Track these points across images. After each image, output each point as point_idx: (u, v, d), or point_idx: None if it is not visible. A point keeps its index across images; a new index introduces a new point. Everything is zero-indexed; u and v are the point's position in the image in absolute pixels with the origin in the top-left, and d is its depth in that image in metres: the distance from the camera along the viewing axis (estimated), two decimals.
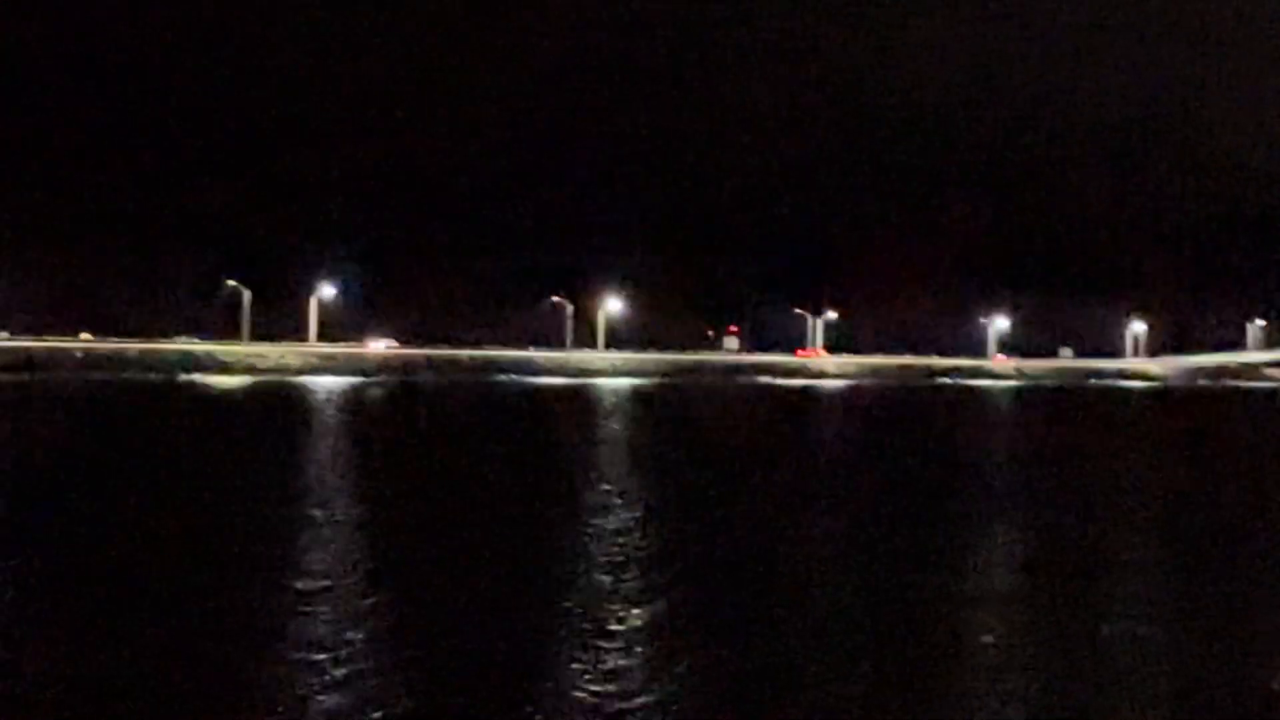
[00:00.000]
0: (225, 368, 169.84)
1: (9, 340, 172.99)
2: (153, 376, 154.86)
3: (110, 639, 25.14)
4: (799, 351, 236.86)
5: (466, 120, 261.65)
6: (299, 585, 30.25)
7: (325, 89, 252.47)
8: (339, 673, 23.01)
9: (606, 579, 31.92)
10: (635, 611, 28.45)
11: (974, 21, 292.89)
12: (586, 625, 26.88)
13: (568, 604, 28.89)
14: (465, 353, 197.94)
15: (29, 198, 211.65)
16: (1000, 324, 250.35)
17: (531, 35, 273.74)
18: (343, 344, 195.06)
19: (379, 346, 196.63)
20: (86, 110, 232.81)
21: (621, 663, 24.11)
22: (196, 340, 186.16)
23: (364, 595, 29.73)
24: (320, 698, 21.71)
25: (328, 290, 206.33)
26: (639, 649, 25.22)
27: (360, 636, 25.73)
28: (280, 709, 21.23)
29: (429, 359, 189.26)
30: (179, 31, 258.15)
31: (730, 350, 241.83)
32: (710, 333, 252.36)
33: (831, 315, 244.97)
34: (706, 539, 39.07)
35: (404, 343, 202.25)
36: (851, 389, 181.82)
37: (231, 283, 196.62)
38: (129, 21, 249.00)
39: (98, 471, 55.68)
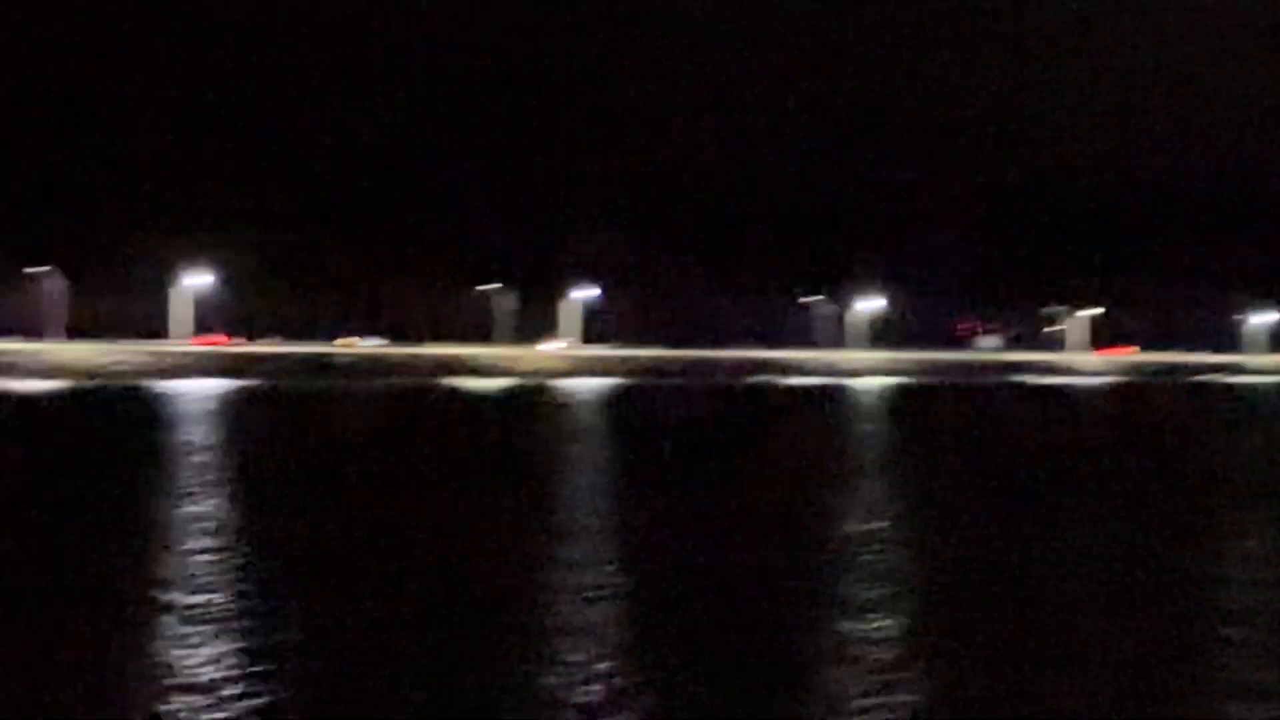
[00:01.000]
0: (485, 371, 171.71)
1: (270, 345, 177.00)
2: (412, 381, 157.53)
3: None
4: (1101, 349, 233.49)
5: (726, 124, 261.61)
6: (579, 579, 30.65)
7: (589, 90, 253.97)
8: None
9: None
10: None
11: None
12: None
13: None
14: (725, 353, 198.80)
15: (286, 203, 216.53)
16: (1265, 319, 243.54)
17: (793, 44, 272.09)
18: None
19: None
20: (356, 118, 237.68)
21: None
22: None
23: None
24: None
25: (588, 292, 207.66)
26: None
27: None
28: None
29: (690, 361, 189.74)
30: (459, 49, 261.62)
31: (989, 348, 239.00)
32: (968, 329, 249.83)
33: (1095, 310, 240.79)
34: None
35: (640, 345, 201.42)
36: (1131, 388, 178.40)
37: (491, 285, 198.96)
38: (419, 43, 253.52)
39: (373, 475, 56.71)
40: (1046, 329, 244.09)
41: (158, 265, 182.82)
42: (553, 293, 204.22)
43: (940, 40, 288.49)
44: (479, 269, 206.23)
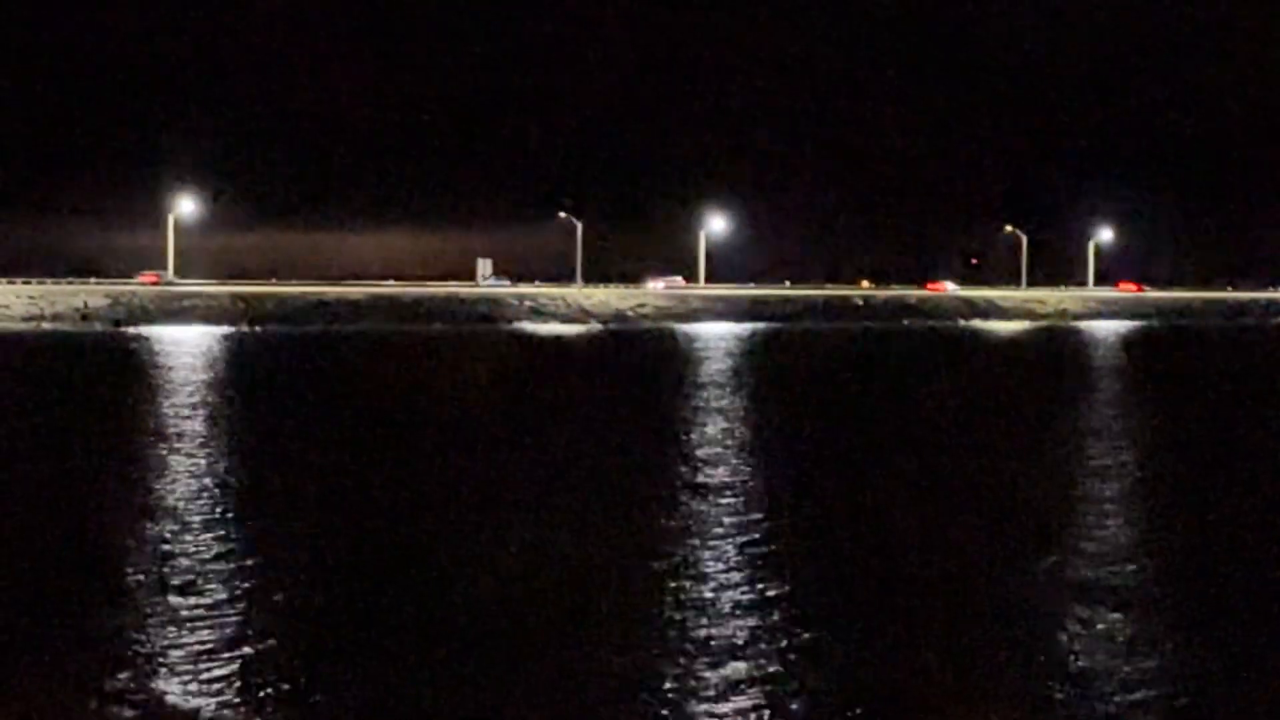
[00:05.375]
0: (1005, 313, 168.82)
1: (789, 289, 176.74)
2: (933, 324, 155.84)
3: None
4: None
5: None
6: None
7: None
8: None
9: None
10: None
11: None
12: None
13: None
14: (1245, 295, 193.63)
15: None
16: None
17: None
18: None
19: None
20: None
21: None
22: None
23: None
24: None
25: (1105, 233, 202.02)
26: None
27: None
28: None
29: (1207, 302, 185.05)
30: None
31: None
32: None
33: None
34: None
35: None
36: None
37: (1008, 228, 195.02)
38: None
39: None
40: None
41: (673, 206, 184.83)
42: (1065, 235, 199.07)
43: None
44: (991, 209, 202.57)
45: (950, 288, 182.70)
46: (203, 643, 21.48)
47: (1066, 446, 47.44)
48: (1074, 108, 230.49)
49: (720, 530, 30.41)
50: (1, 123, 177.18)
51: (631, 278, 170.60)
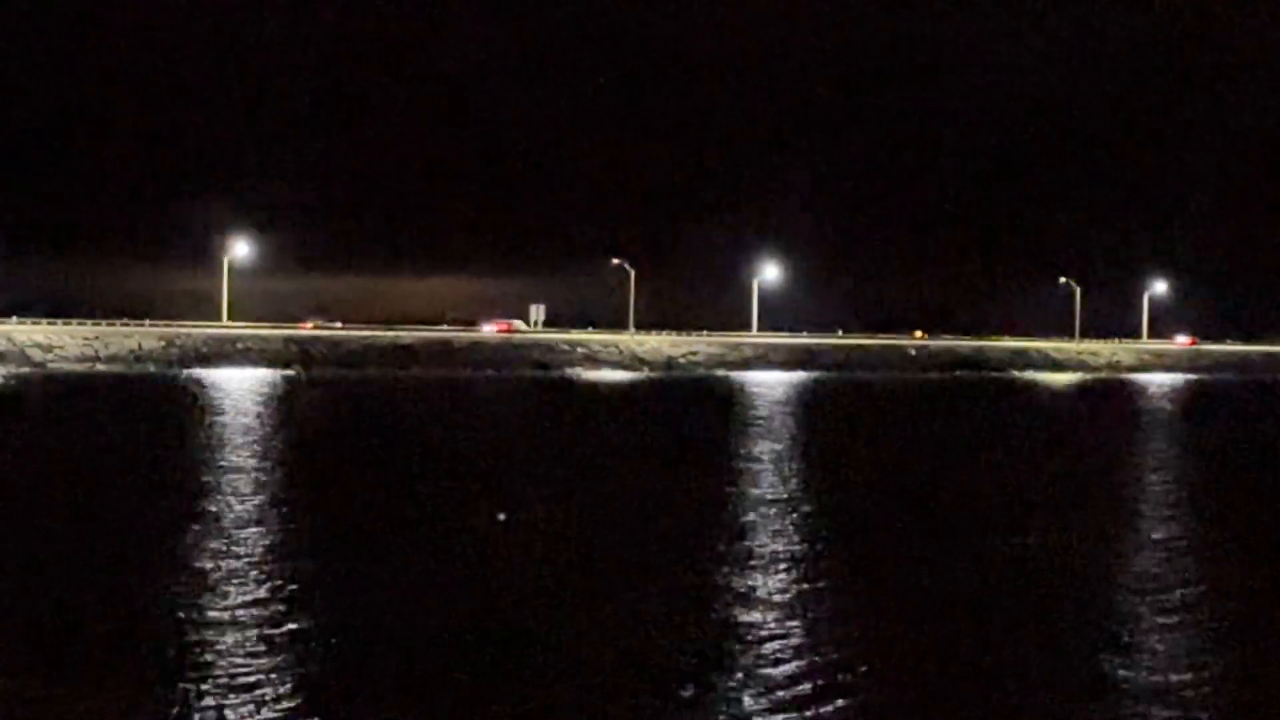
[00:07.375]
0: (1058, 365, 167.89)
1: (841, 338, 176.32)
2: (985, 374, 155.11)
3: None
4: None
5: None
6: None
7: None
8: None
9: None
10: None
11: None
12: None
13: None
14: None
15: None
16: None
17: None
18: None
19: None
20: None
21: None
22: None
23: None
24: None
25: (1159, 286, 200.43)
26: None
27: None
28: None
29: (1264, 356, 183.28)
30: None
31: None
32: None
33: None
34: None
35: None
36: None
37: (1062, 279, 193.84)
38: None
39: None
40: None
41: (721, 257, 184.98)
42: (1123, 286, 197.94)
43: None
44: (1047, 261, 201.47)
45: (1181, 340, 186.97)
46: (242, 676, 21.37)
47: (1129, 502, 47.01)
48: (1129, 159, 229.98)
49: (782, 595, 30.07)
50: (54, 166, 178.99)
51: (681, 326, 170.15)
